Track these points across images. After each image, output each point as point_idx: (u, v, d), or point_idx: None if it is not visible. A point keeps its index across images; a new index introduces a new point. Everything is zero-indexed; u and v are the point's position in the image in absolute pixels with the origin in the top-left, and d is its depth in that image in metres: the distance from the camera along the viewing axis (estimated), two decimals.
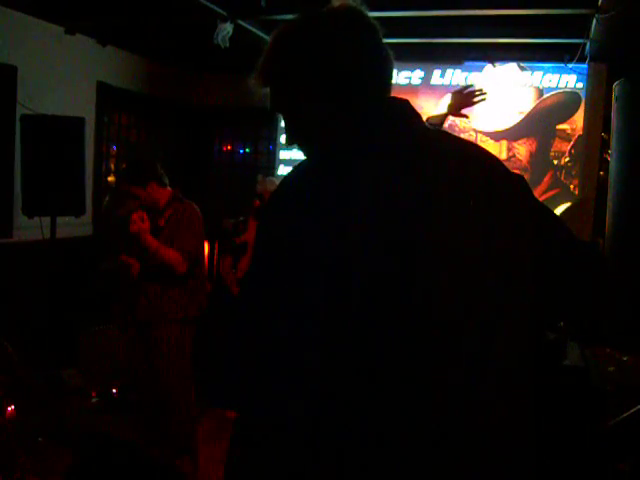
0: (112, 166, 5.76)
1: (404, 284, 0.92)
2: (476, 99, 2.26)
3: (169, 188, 3.29)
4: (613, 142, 2.21)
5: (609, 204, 2.24)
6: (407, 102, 1.08)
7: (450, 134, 1.14)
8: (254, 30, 4.62)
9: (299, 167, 1.04)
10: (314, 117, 1.09)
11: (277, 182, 1.07)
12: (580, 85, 5.09)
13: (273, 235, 0.98)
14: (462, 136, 1.19)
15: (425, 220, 0.94)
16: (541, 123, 5.22)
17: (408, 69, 5.41)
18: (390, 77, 1.12)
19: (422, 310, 0.93)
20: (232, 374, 0.98)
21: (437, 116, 2.24)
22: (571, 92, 5.14)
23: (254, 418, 0.97)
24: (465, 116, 2.33)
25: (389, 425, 0.92)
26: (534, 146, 5.25)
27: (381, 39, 1.11)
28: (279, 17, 4.40)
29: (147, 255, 3.06)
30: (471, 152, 1.08)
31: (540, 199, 1.18)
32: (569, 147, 5.20)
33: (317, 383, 0.93)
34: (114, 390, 4.13)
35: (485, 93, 2.27)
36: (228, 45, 4.29)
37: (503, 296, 0.97)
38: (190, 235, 3.17)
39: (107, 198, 5.50)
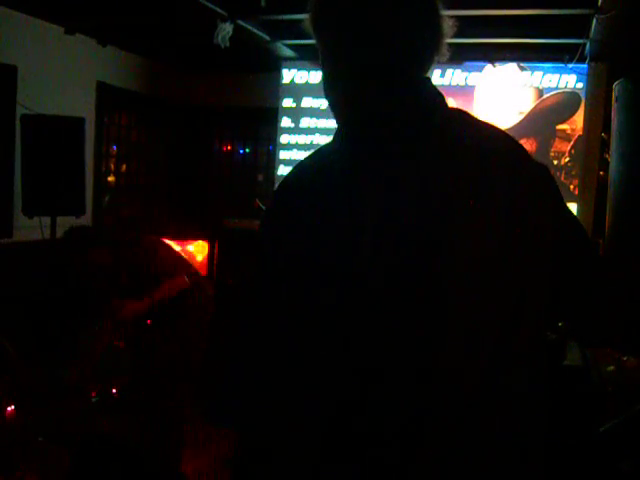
0: (112, 166, 5.76)
1: (419, 287, 0.90)
2: None
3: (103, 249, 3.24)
4: (613, 142, 2.21)
5: (609, 204, 2.24)
6: (429, 80, 1.02)
7: (473, 118, 1.04)
8: (254, 30, 4.62)
9: (302, 163, 1.01)
10: (337, 76, 1.03)
11: None
12: (580, 85, 5.09)
13: (279, 236, 0.95)
14: None
15: (440, 220, 0.91)
16: (541, 123, 5.22)
17: None
18: (434, 44, 1.00)
19: (436, 313, 0.90)
20: (233, 390, 0.96)
21: None
22: (571, 92, 5.14)
23: (258, 434, 0.94)
24: None
25: (404, 433, 0.90)
26: (534, 146, 5.25)
27: (434, 7, 0.99)
28: (279, 17, 4.40)
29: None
30: (494, 142, 1.01)
31: None
32: (569, 147, 5.20)
33: (328, 394, 0.91)
34: (114, 390, 4.13)
35: None
36: (228, 45, 4.28)
37: (519, 298, 0.95)
38: (160, 259, 3.15)
39: (107, 198, 5.50)
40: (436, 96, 1.00)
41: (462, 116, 1.03)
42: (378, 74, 0.98)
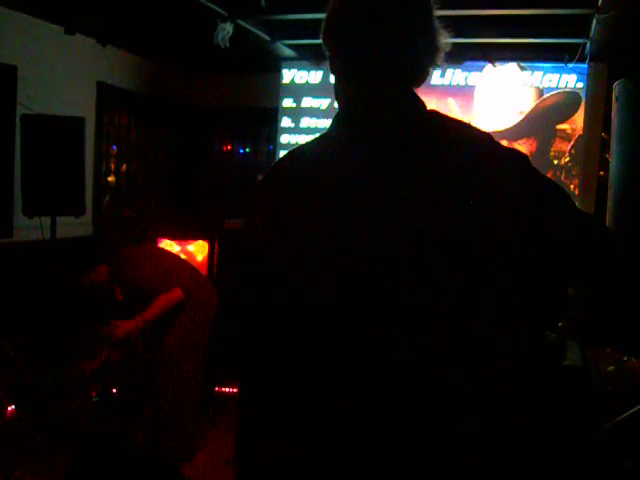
0: (112, 166, 5.76)
1: (373, 285, 0.94)
2: None
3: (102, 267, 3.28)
4: (613, 142, 2.22)
5: (609, 204, 2.24)
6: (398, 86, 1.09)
7: (450, 119, 1.10)
8: (254, 30, 4.61)
9: (298, 149, 1.10)
10: (345, 75, 1.11)
11: None
12: (580, 85, 5.09)
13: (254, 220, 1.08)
14: None
15: (395, 219, 0.96)
16: (541, 123, 5.22)
17: None
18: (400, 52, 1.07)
19: (388, 308, 0.94)
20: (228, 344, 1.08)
21: None
22: (571, 92, 5.14)
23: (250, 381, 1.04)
24: None
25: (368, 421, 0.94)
26: (534, 146, 5.25)
27: (432, 23, 1.07)
28: (279, 17, 4.40)
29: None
30: (469, 140, 1.05)
31: None
32: (569, 147, 5.20)
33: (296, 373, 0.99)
34: (114, 390, 4.13)
35: None
36: (228, 45, 4.28)
37: (477, 294, 0.95)
38: (154, 274, 3.14)
39: (107, 198, 5.50)
40: (419, 101, 1.09)
41: (440, 118, 1.09)
42: (380, 75, 1.06)
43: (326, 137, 1.08)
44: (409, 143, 1.01)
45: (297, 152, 1.10)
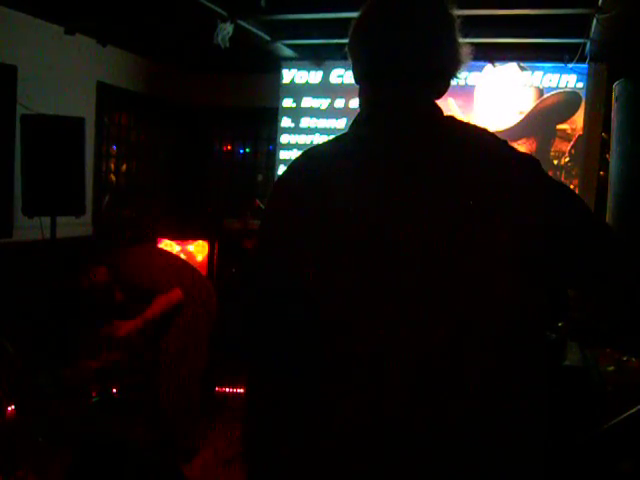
0: (112, 166, 5.76)
1: (376, 282, 0.96)
2: None
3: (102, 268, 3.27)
4: (613, 142, 2.22)
5: (609, 204, 2.24)
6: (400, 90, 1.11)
7: (464, 124, 1.12)
8: (254, 30, 4.62)
9: (314, 149, 1.14)
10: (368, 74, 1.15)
11: None
12: (580, 85, 5.10)
13: (270, 217, 1.11)
14: None
15: (398, 218, 0.97)
16: (541, 123, 5.22)
17: None
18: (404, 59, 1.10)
19: (391, 306, 0.96)
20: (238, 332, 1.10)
21: None
22: (571, 92, 5.14)
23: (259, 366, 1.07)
24: None
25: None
26: (534, 146, 5.25)
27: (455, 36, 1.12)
28: (279, 17, 4.41)
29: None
30: (472, 144, 1.07)
31: None
32: (569, 147, 5.20)
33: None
34: (114, 390, 4.13)
35: None
36: (228, 45, 4.29)
37: (478, 293, 0.96)
38: (154, 274, 3.13)
39: (107, 198, 5.50)
40: (436, 106, 1.12)
41: (454, 122, 1.11)
42: (402, 79, 1.09)
43: (342, 137, 1.11)
44: (422, 144, 1.03)
45: (311, 151, 1.12)
